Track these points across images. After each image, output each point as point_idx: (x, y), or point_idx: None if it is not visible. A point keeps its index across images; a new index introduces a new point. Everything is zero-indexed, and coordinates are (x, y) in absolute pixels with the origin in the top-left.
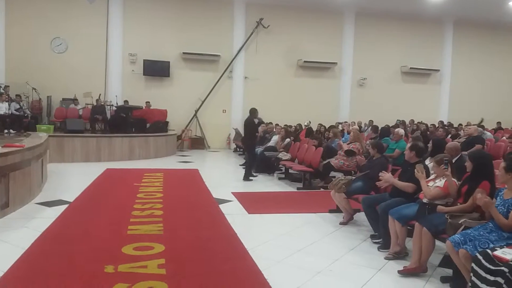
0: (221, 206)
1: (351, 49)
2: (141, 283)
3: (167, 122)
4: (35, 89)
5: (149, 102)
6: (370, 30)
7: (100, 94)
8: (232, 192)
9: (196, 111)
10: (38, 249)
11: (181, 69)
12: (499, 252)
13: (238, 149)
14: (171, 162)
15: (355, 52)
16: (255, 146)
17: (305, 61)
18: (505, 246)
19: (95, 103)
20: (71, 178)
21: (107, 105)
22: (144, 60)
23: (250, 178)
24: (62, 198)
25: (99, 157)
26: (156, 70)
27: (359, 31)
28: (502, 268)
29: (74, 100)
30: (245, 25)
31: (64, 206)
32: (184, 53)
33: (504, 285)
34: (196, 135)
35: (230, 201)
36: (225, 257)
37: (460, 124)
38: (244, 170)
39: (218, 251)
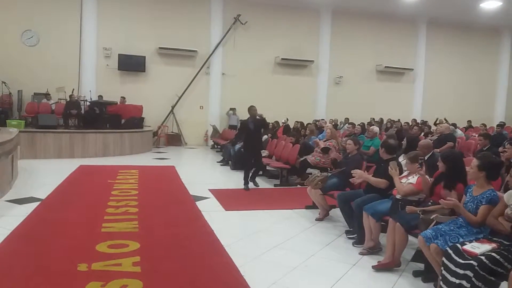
0: (198, 203)
1: (327, 47)
2: (115, 281)
3: (143, 118)
4: (5, 83)
5: (124, 97)
6: (346, 28)
7: (73, 89)
8: (209, 189)
9: (173, 107)
10: (7, 248)
11: (157, 64)
12: (468, 247)
13: (215, 146)
14: (147, 159)
15: (331, 50)
16: (250, 152)
17: (282, 59)
18: (474, 241)
19: (68, 98)
20: (43, 174)
21: (81, 100)
22: (119, 55)
23: (257, 184)
24: (33, 195)
25: (72, 154)
26: (132, 65)
27: (335, 30)
28: (471, 261)
29: (47, 95)
30: (222, 21)
31: (36, 204)
32: (160, 48)
33: (473, 278)
34: (172, 132)
35: (207, 198)
36: (201, 254)
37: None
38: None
39: (194, 248)
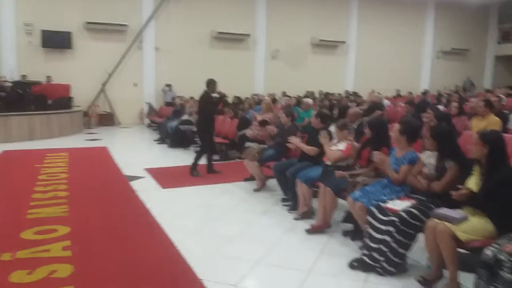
0: (133, 183)
1: (263, 21)
2: (43, 267)
3: (71, 98)
4: None
5: (50, 76)
6: (281, 2)
7: None
8: (145, 169)
9: (104, 85)
10: None
11: (85, 40)
12: (390, 204)
13: (152, 124)
14: (78, 141)
15: (267, 24)
16: (213, 134)
17: (218, 32)
18: (395, 199)
19: None
20: None
21: (2, 81)
22: (42, 31)
23: (215, 170)
24: None
25: None
26: (57, 41)
27: (270, 3)
28: (393, 218)
29: None
30: None
31: None
32: (87, 22)
33: (394, 234)
34: (104, 111)
35: (143, 177)
36: (136, 234)
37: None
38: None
39: (129, 228)
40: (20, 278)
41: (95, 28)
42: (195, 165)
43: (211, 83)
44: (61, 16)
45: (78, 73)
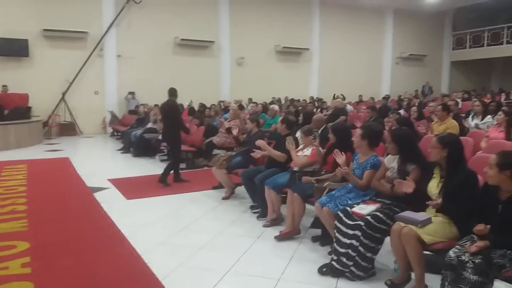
0: (96, 195)
1: (227, 28)
2: (2, 286)
3: (29, 108)
4: None
5: (6, 86)
6: (245, 8)
7: None
8: (108, 179)
9: (64, 94)
10: None
11: (43, 48)
12: (356, 209)
13: (115, 133)
14: (37, 152)
15: (231, 31)
16: (180, 142)
17: (182, 39)
18: (361, 203)
19: None
20: None
21: None
22: None
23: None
24: None
25: None
26: (12, 49)
27: (234, 10)
28: (359, 222)
29: None
30: (114, 0)
31: None
32: (45, 30)
33: (361, 237)
34: (65, 121)
35: (107, 188)
36: (99, 247)
37: (321, 98)
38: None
39: (92, 241)
40: None
41: (54, 35)
42: (166, 174)
43: (174, 92)
44: (16, 22)
45: (36, 82)
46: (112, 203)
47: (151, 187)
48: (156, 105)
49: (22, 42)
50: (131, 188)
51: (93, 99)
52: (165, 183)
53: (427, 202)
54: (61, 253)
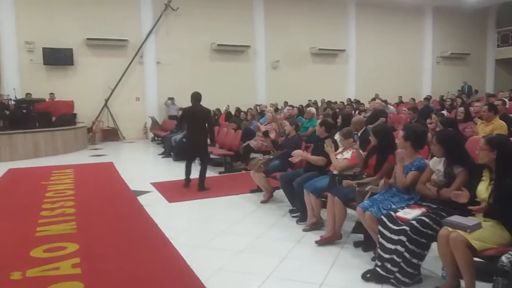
0: (140, 198)
1: (262, 32)
2: (53, 286)
3: (75, 114)
4: None
5: (53, 93)
6: (279, 12)
7: None
8: (151, 183)
9: (107, 101)
10: None
11: (86, 57)
12: (401, 213)
13: (156, 138)
14: (83, 157)
15: (266, 35)
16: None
17: (218, 45)
18: (406, 207)
19: None
20: None
21: (5, 99)
22: (43, 48)
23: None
24: None
25: None
26: (58, 58)
27: (269, 14)
28: (404, 227)
29: None
30: (152, 7)
31: None
32: (88, 39)
33: (406, 243)
34: (108, 126)
35: (149, 192)
36: (144, 249)
37: (358, 100)
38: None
39: (137, 243)
40: None
41: (96, 44)
42: (202, 182)
43: (199, 96)
44: (61, 33)
45: (80, 89)
46: (155, 206)
47: (192, 190)
48: None
49: (67, 51)
50: (172, 191)
51: (134, 105)
52: (205, 189)
53: (469, 207)
54: (108, 254)
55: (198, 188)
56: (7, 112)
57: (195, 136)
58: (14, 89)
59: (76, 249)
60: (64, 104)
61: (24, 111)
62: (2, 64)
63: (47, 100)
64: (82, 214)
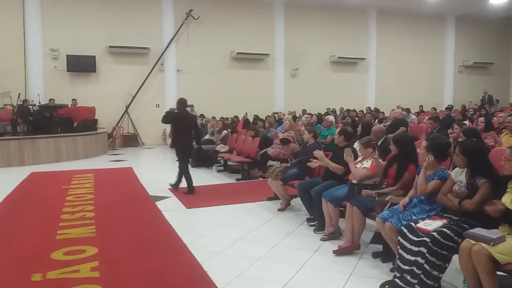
0: (158, 203)
1: (282, 40)
2: None
3: (96, 120)
4: None
5: (75, 99)
6: (299, 21)
7: (19, 94)
8: (169, 189)
9: (127, 107)
10: None
11: (108, 64)
12: (421, 224)
13: None
14: (103, 162)
15: (286, 43)
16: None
17: (238, 53)
18: (426, 218)
19: (14, 104)
20: None
21: (29, 105)
22: (67, 56)
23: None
24: None
25: (22, 161)
26: (81, 65)
27: (289, 22)
28: (425, 238)
29: None
30: (174, 16)
31: None
32: (110, 46)
33: (427, 254)
34: (128, 132)
35: (167, 197)
36: (162, 254)
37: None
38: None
39: (155, 248)
40: None
41: (118, 51)
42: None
43: (185, 102)
44: (85, 40)
45: (102, 95)
46: (173, 212)
47: (209, 197)
48: (213, 117)
49: (90, 58)
50: (190, 197)
51: (154, 111)
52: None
53: (485, 206)
54: (127, 259)
55: (188, 192)
56: (31, 118)
57: (183, 138)
58: (38, 94)
59: (95, 253)
60: (86, 110)
61: (47, 116)
62: (28, 70)
63: (69, 105)
64: (102, 218)
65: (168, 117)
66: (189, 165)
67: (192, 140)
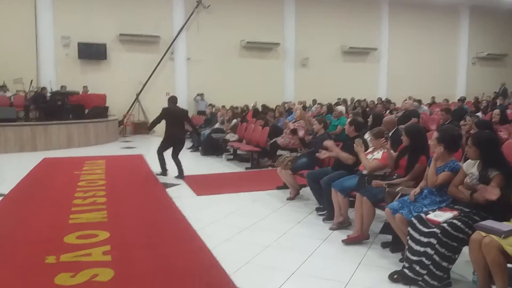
0: (169, 190)
1: (292, 30)
2: (86, 271)
3: (107, 107)
4: None
5: (86, 87)
6: (310, 10)
7: (32, 80)
8: (175, 176)
9: (138, 95)
10: None
11: (119, 52)
12: (431, 215)
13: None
14: (114, 149)
15: (296, 33)
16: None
17: (248, 42)
18: (437, 209)
19: (26, 90)
20: (4, 169)
21: (48, 92)
22: (78, 43)
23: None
24: None
25: (35, 146)
26: (92, 53)
27: (299, 11)
28: (435, 229)
29: (3, 87)
30: (184, 5)
31: None
32: (121, 34)
33: (436, 245)
34: (139, 120)
35: (178, 184)
36: (172, 240)
37: (389, 100)
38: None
39: (165, 234)
40: (65, 281)
41: (129, 39)
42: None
43: (176, 99)
44: (96, 28)
45: (113, 83)
46: (183, 199)
47: (219, 184)
48: (223, 106)
49: (101, 46)
50: (200, 185)
51: (164, 100)
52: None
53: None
54: (138, 243)
55: (178, 176)
56: (43, 104)
57: (175, 132)
58: (50, 81)
59: (107, 237)
60: (97, 97)
61: (59, 103)
62: (39, 58)
63: (80, 93)
64: (113, 203)
65: (158, 119)
66: (200, 154)
67: (184, 133)
